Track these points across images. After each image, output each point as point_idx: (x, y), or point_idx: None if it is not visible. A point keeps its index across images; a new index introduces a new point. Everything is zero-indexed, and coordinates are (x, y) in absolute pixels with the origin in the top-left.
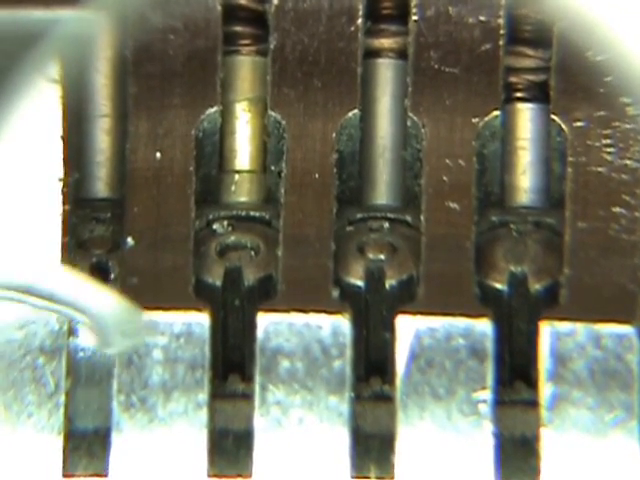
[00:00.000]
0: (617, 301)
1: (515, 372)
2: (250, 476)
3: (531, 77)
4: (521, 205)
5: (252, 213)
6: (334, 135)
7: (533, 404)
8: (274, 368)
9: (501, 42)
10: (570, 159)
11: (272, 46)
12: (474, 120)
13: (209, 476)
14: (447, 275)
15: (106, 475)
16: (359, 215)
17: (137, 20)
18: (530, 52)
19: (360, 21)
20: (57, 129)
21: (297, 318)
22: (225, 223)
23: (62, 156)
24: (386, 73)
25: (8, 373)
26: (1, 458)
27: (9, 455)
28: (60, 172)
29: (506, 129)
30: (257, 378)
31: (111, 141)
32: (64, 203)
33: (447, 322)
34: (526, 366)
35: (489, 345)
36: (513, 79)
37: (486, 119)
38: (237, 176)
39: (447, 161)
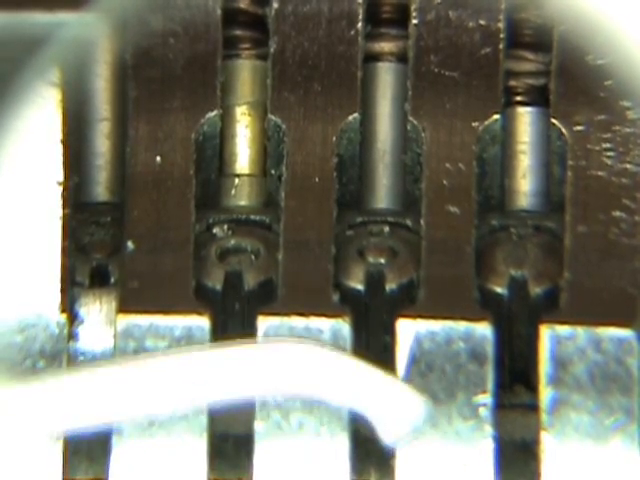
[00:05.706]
0: (617, 305)
1: (515, 376)
2: None
3: (531, 81)
4: (521, 209)
5: (252, 217)
6: (334, 139)
7: (533, 408)
8: None
9: (501, 46)
10: (570, 163)
11: (272, 50)
12: (474, 124)
13: None
14: (447, 279)
15: (106, 479)
16: (359, 219)
17: (137, 24)
18: (530, 56)
19: (360, 25)
20: (57, 133)
21: (297, 322)
22: (225, 227)
23: (62, 160)
24: (386, 77)
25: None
26: (1, 462)
27: (9, 459)
28: (60, 176)
29: (506, 133)
30: None
31: (111, 145)
32: (64, 207)
33: (447, 326)
34: (526, 370)
35: (489, 349)
36: (513, 83)
37: (486, 123)
38: (237, 180)
39: (447, 165)
